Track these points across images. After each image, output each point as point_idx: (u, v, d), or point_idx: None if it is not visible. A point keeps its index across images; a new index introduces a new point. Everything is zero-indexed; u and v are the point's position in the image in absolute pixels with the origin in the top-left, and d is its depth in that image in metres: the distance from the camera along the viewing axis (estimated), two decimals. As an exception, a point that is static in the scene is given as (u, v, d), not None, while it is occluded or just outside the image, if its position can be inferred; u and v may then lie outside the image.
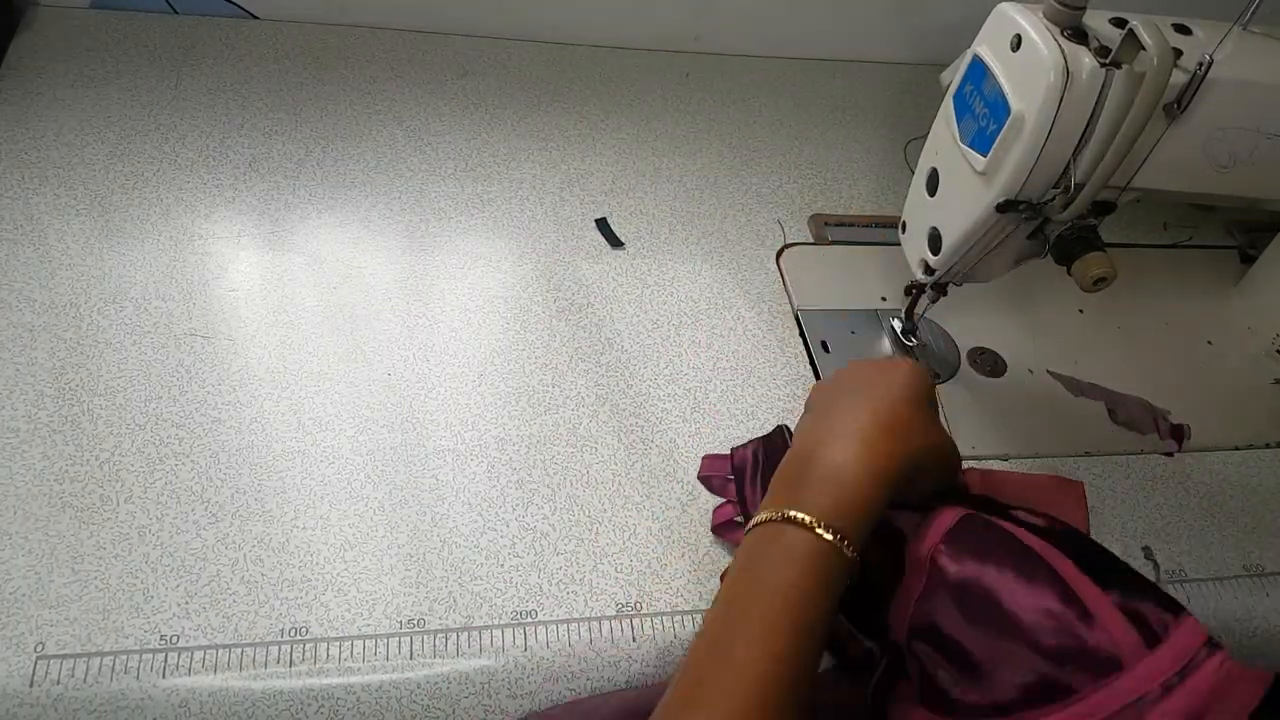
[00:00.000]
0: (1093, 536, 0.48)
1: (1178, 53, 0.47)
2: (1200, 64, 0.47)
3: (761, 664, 0.39)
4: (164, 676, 0.47)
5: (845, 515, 0.42)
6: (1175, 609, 0.42)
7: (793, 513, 0.42)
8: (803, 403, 0.54)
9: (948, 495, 0.50)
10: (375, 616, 0.50)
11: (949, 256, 0.57)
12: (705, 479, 0.59)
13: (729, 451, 0.60)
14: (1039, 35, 0.47)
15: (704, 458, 0.60)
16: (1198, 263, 0.81)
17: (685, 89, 0.87)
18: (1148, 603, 0.42)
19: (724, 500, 0.57)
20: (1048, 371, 0.69)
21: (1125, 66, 0.46)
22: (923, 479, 0.47)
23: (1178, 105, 0.48)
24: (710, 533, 0.56)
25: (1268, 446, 0.67)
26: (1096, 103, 0.47)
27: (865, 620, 0.50)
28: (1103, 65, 0.47)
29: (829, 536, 0.42)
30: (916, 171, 0.60)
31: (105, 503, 0.52)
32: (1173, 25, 0.50)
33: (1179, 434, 0.66)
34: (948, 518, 0.46)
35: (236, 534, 0.52)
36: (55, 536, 0.51)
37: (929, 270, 0.59)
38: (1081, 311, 0.74)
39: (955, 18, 0.86)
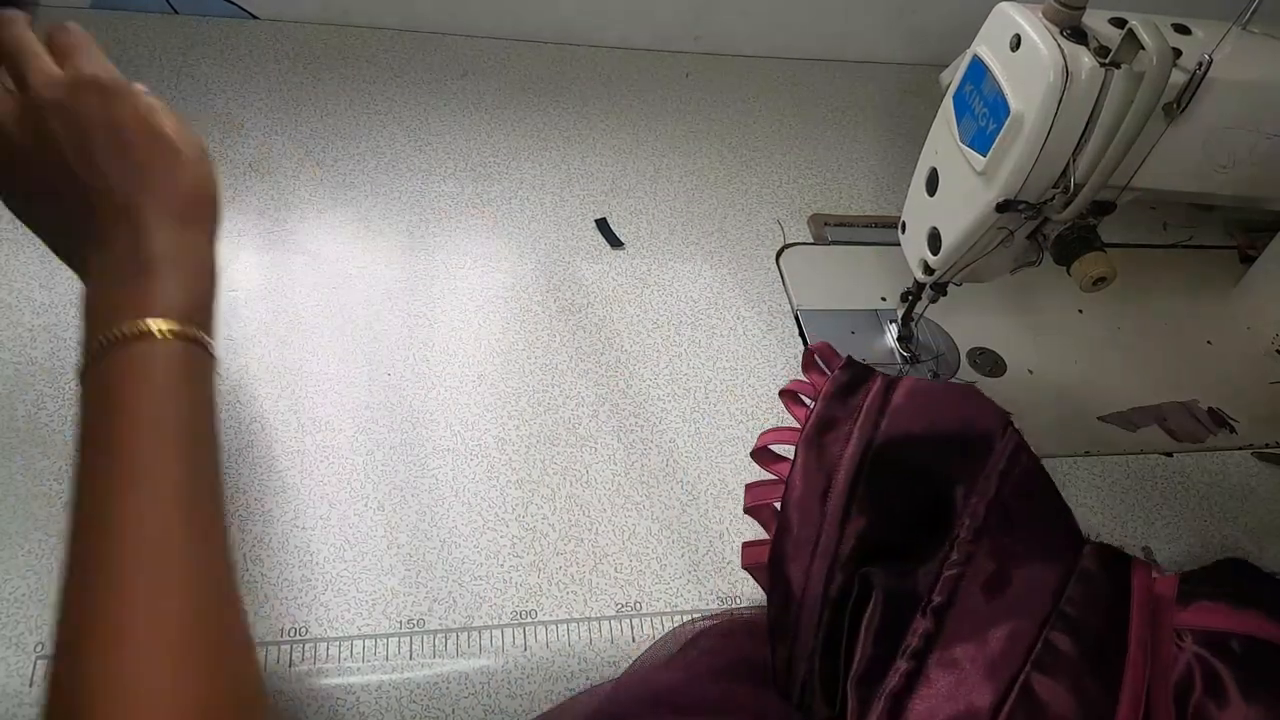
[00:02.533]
0: (1092, 538, 0.47)
1: (1177, 53, 0.47)
2: (1200, 64, 0.47)
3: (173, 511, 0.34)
4: (164, 676, 0.47)
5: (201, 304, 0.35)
6: None
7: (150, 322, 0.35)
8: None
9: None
10: (375, 616, 0.50)
11: (949, 256, 0.57)
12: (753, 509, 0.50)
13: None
14: (1038, 35, 0.47)
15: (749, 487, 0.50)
16: (1198, 263, 0.81)
17: (685, 89, 0.87)
18: None
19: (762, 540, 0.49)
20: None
21: (1125, 66, 0.47)
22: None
23: (1177, 105, 0.48)
24: (711, 533, 0.56)
25: (1267, 446, 0.67)
26: (1096, 103, 0.47)
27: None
28: (1102, 65, 0.47)
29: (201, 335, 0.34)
30: (916, 171, 0.60)
31: (105, 503, 0.52)
32: (1172, 25, 0.50)
33: (1219, 418, 0.66)
34: None
35: (236, 534, 0.52)
36: (55, 536, 0.51)
37: (929, 270, 0.59)
38: (1081, 311, 0.74)
39: (955, 18, 0.86)
